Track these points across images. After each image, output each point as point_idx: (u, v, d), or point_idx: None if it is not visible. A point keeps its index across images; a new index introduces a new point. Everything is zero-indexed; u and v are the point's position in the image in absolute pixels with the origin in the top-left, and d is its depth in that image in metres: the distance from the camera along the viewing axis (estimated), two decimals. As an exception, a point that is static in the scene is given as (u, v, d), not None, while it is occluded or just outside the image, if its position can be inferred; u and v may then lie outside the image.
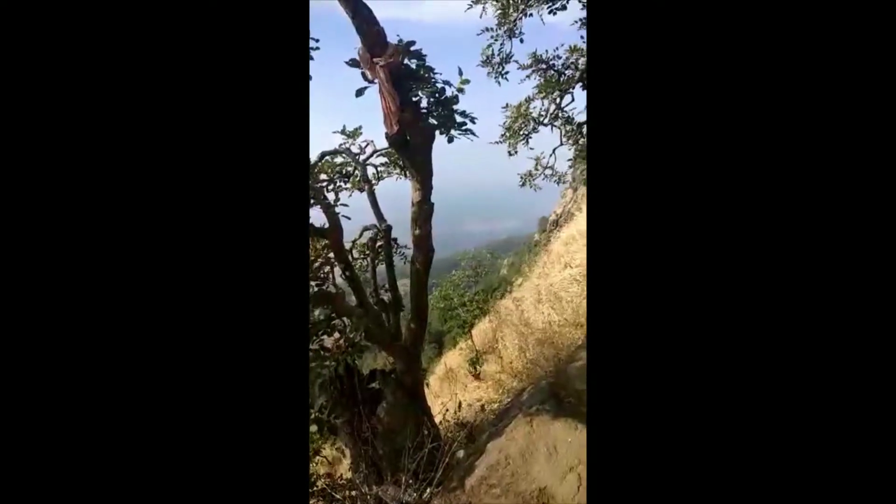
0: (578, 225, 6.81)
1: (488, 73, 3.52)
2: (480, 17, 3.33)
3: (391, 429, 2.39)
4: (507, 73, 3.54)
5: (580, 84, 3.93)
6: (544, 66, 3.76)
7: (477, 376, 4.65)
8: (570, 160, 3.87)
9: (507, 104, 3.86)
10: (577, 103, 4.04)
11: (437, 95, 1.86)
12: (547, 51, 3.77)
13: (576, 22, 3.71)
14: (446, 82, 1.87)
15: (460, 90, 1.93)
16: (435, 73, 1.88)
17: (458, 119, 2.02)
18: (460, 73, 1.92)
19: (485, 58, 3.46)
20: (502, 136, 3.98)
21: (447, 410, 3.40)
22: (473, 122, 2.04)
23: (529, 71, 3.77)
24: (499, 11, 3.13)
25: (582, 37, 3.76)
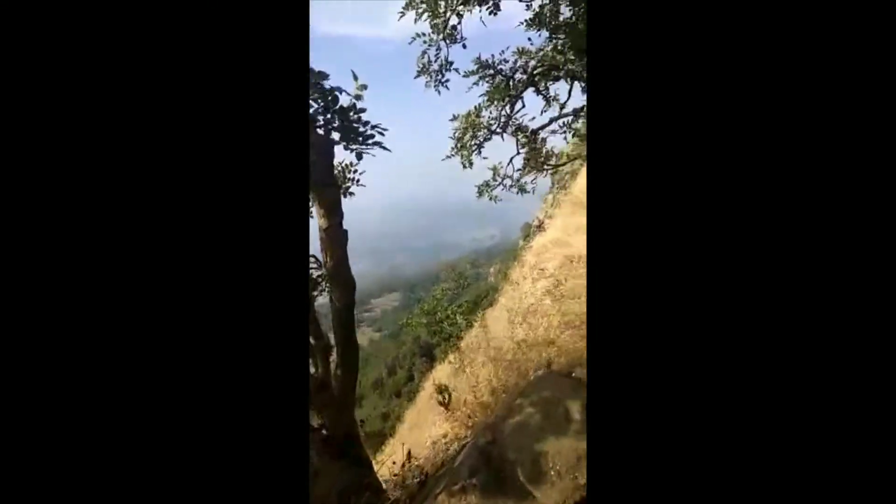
0: (549, 234, 6.56)
1: (426, 82, 3.26)
2: (415, 22, 3.09)
3: (321, 500, 2.02)
4: (447, 81, 3.28)
5: (532, 88, 3.72)
6: (491, 71, 3.53)
7: (446, 405, 4.27)
8: (519, 169, 3.59)
9: (454, 115, 3.61)
10: (529, 109, 3.82)
11: (322, 102, 1.56)
12: (493, 55, 3.55)
13: (521, 23, 3.50)
14: (336, 88, 1.57)
15: (358, 97, 1.64)
16: (324, 80, 1.58)
17: (367, 131, 1.73)
18: (355, 78, 1.62)
19: (420, 66, 3.20)
20: (453, 148, 3.72)
21: (405, 460, 3.02)
22: (382, 135, 1.75)
23: (476, 78, 3.54)
24: (428, 13, 2.88)
25: (529, 38, 3.56)
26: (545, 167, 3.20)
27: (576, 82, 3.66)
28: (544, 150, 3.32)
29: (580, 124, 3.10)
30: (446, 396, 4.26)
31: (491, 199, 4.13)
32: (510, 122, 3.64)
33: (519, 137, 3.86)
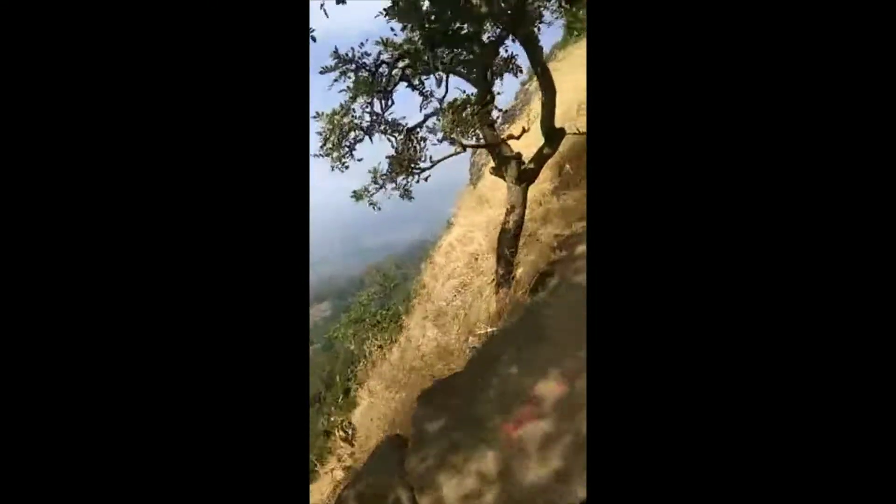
0: (454, 232, 6.48)
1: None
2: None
3: None
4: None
5: (405, 83, 3.48)
6: (353, 66, 3.22)
7: (350, 441, 3.83)
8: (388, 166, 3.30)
9: (316, 112, 3.24)
10: (400, 107, 3.58)
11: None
12: (353, 48, 3.24)
13: (380, 14, 3.23)
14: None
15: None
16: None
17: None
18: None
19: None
20: (321, 147, 3.34)
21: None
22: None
23: (337, 73, 3.20)
24: None
25: (392, 28, 3.30)
26: (413, 169, 2.98)
27: (450, 75, 3.49)
28: (419, 150, 3.09)
29: (447, 120, 2.91)
30: (349, 431, 3.80)
31: (372, 205, 3.76)
32: (380, 121, 3.36)
33: (397, 137, 3.60)
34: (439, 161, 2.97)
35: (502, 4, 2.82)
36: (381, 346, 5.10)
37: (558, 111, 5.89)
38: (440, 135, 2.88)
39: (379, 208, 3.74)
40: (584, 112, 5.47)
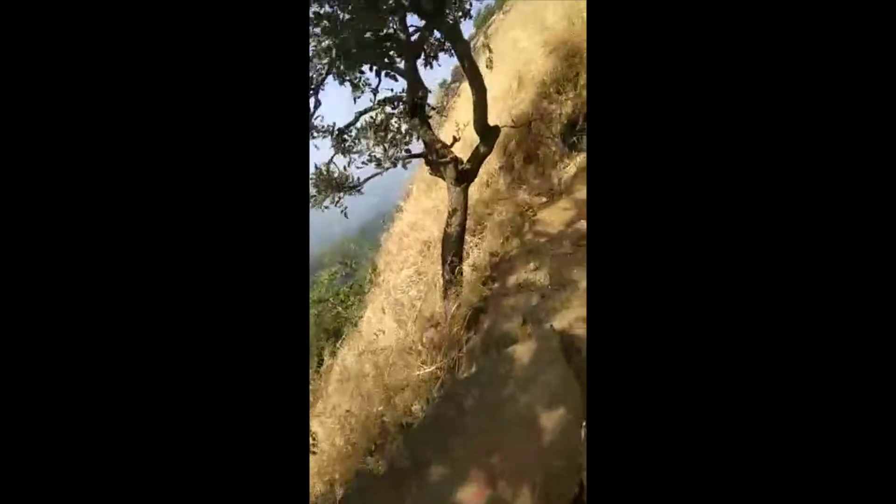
0: (406, 217, 6.38)
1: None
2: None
3: None
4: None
5: (336, 78, 3.24)
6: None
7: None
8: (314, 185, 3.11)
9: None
10: (331, 108, 3.37)
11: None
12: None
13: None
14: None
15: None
16: None
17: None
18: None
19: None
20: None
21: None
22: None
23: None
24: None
25: (315, 35, 3.02)
26: (342, 188, 2.85)
27: (384, 71, 3.29)
28: (346, 166, 2.93)
29: (371, 142, 2.76)
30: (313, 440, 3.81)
31: (320, 209, 3.59)
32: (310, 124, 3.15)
33: (331, 139, 3.41)
34: (367, 180, 2.86)
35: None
36: (333, 353, 5.13)
37: (498, 87, 5.78)
38: (365, 156, 2.74)
39: (326, 208, 3.57)
40: (524, 86, 5.40)
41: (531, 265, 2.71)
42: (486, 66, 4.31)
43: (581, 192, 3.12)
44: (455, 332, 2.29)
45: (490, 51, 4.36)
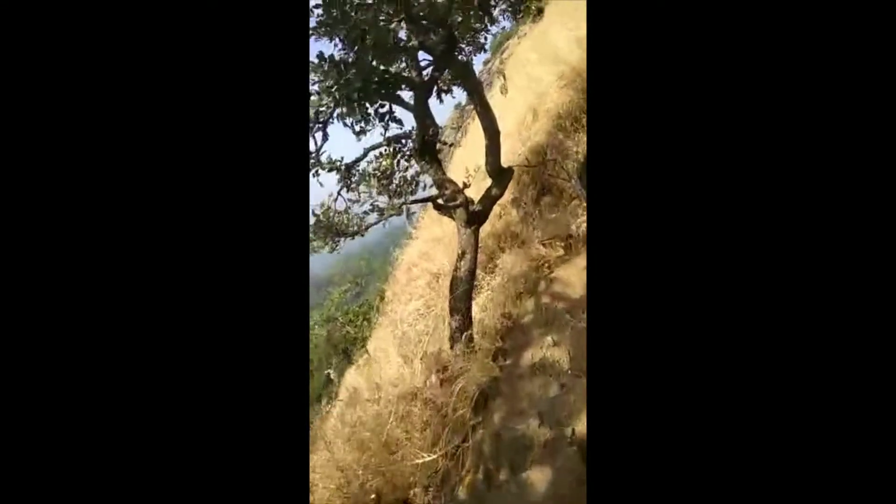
0: (416, 246, 6.23)
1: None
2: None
3: None
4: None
5: (339, 119, 3.15)
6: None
7: None
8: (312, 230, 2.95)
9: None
10: (340, 140, 3.26)
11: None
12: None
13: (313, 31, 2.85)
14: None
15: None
16: None
17: None
18: None
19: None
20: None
21: None
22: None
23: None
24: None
25: (316, 80, 2.93)
26: (342, 234, 2.70)
27: (389, 115, 3.18)
28: (349, 211, 2.79)
29: (374, 190, 2.62)
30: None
31: (333, 251, 3.37)
32: (316, 160, 3.05)
33: (337, 175, 3.30)
34: (369, 227, 2.70)
35: (433, 37, 2.54)
36: (341, 371, 4.92)
37: (512, 119, 5.67)
38: (367, 205, 2.60)
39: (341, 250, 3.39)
40: (539, 117, 5.27)
41: (549, 339, 2.42)
42: (501, 92, 4.17)
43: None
44: (460, 415, 2.06)
45: (504, 78, 4.26)
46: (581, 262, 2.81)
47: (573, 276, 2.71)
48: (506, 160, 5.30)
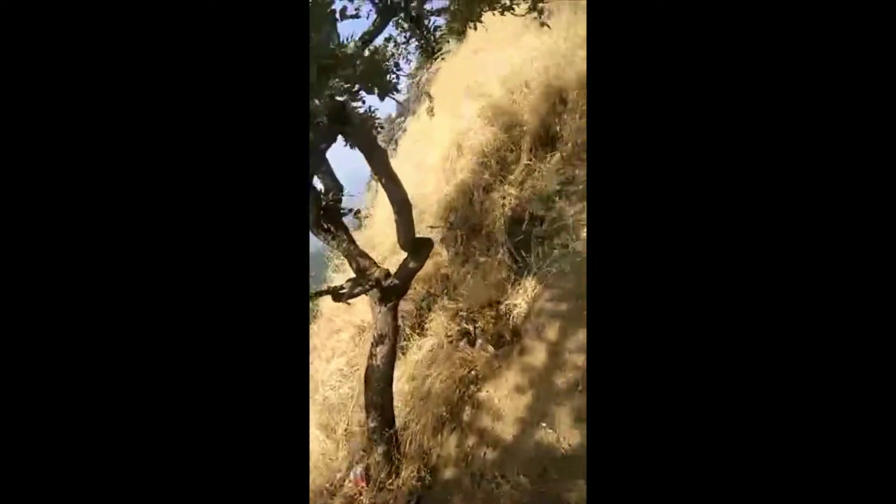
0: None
1: None
2: None
3: None
4: None
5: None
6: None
7: None
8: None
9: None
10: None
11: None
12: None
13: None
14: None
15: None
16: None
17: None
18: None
19: None
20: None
21: None
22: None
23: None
24: None
25: None
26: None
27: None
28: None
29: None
30: None
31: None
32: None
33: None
34: None
35: (317, 102, 2.05)
36: None
37: (438, 150, 5.34)
38: None
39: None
40: (465, 151, 4.99)
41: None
42: (428, 114, 3.83)
43: (540, 350, 2.44)
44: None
45: (431, 98, 3.90)
46: (513, 377, 2.46)
47: (503, 401, 2.26)
48: (431, 198, 4.95)
